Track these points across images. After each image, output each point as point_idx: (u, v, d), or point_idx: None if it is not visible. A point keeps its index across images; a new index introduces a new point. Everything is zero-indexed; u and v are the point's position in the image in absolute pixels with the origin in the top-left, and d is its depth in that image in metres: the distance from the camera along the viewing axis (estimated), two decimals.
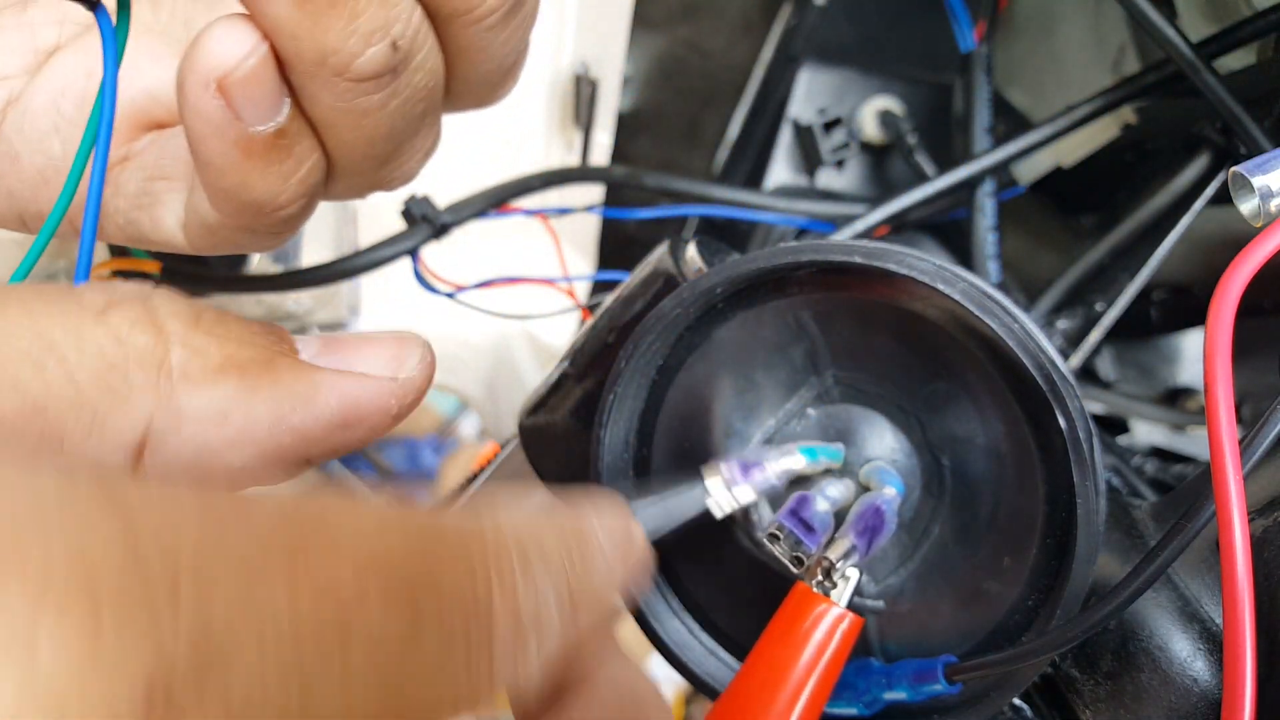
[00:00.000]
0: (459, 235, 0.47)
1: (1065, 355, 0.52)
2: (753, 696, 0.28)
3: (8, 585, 0.11)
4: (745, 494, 0.31)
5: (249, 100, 0.26)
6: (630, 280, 0.38)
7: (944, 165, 0.51)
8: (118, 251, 0.46)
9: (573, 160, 0.76)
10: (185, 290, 0.49)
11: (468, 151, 0.72)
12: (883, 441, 0.34)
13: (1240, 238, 0.27)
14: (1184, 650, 0.30)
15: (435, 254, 0.47)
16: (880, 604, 0.34)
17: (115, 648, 0.12)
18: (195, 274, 0.46)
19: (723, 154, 0.74)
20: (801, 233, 0.55)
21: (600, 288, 0.73)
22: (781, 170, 0.62)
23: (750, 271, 0.31)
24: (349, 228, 0.69)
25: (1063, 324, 0.53)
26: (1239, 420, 0.46)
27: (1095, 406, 0.59)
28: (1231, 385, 0.26)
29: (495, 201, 0.48)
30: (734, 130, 0.72)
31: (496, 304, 0.51)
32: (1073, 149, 0.54)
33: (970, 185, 0.49)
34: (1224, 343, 0.26)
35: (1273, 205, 0.27)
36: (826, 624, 0.29)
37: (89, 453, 0.18)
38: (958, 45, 0.51)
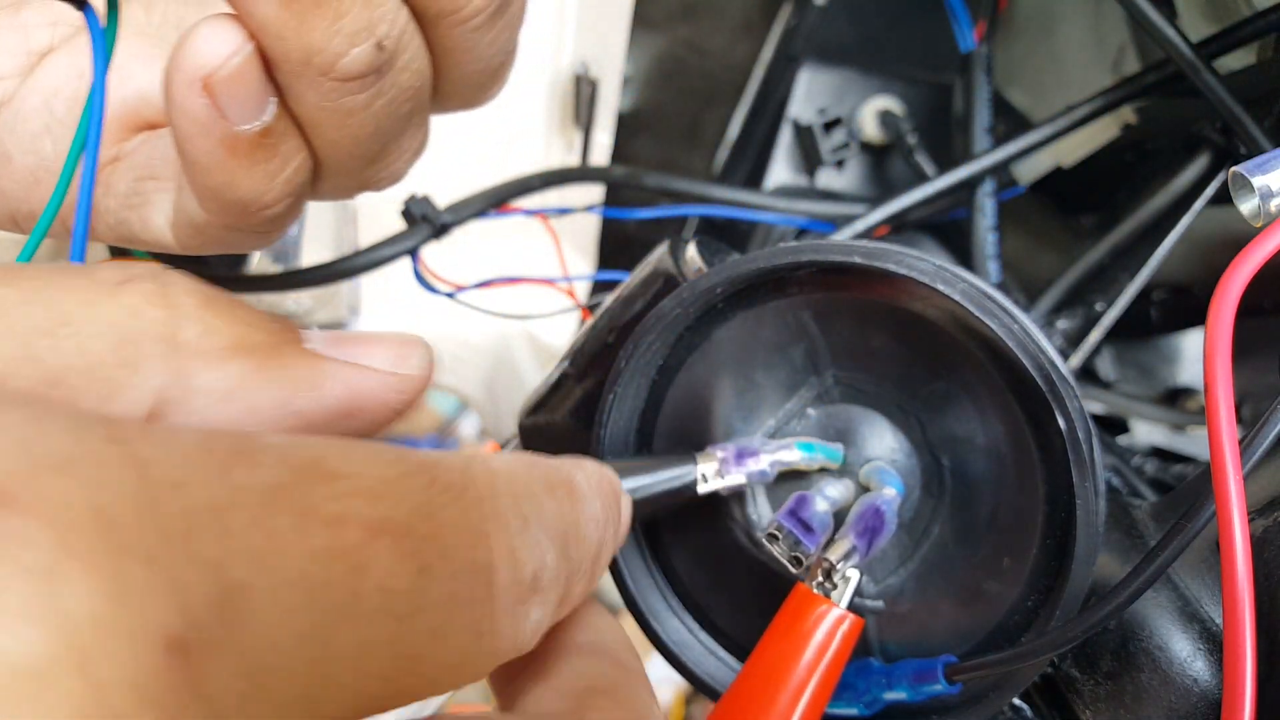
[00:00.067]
0: (459, 235, 0.47)
1: (1065, 355, 0.52)
2: (754, 697, 0.28)
3: (30, 532, 0.11)
4: (735, 477, 0.31)
5: (234, 99, 0.26)
6: (630, 280, 0.38)
7: (944, 165, 0.51)
8: (117, 251, 0.46)
9: (573, 160, 0.76)
10: None
11: (468, 151, 0.72)
12: (883, 441, 0.34)
13: (1240, 238, 0.27)
14: (1184, 650, 0.30)
15: (435, 254, 0.47)
16: (880, 604, 0.34)
17: (136, 596, 0.12)
18: (195, 274, 0.46)
19: (723, 154, 0.74)
20: (801, 233, 0.55)
21: (600, 288, 0.73)
22: (781, 170, 0.62)
23: (750, 271, 0.32)
24: (349, 228, 0.69)
25: (1063, 324, 0.53)
26: (1239, 420, 0.46)
27: (1095, 406, 0.59)
28: (1231, 385, 0.26)
29: (495, 201, 0.48)
30: (734, 130, 0.72)
31: (496, 304, 0.51)
32: (1073, 149, 0.54)
33: (970, 185, 0.49)
34: (1224, 343, 0.26)
35: (1273, 205, 0.27)
36: (827, 625, 0.29)
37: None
38: (958, 45, 0.51)
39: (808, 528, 0.30)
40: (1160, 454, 0.58)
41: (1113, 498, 0.34)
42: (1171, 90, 0.45)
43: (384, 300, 0.76)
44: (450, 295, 0.48)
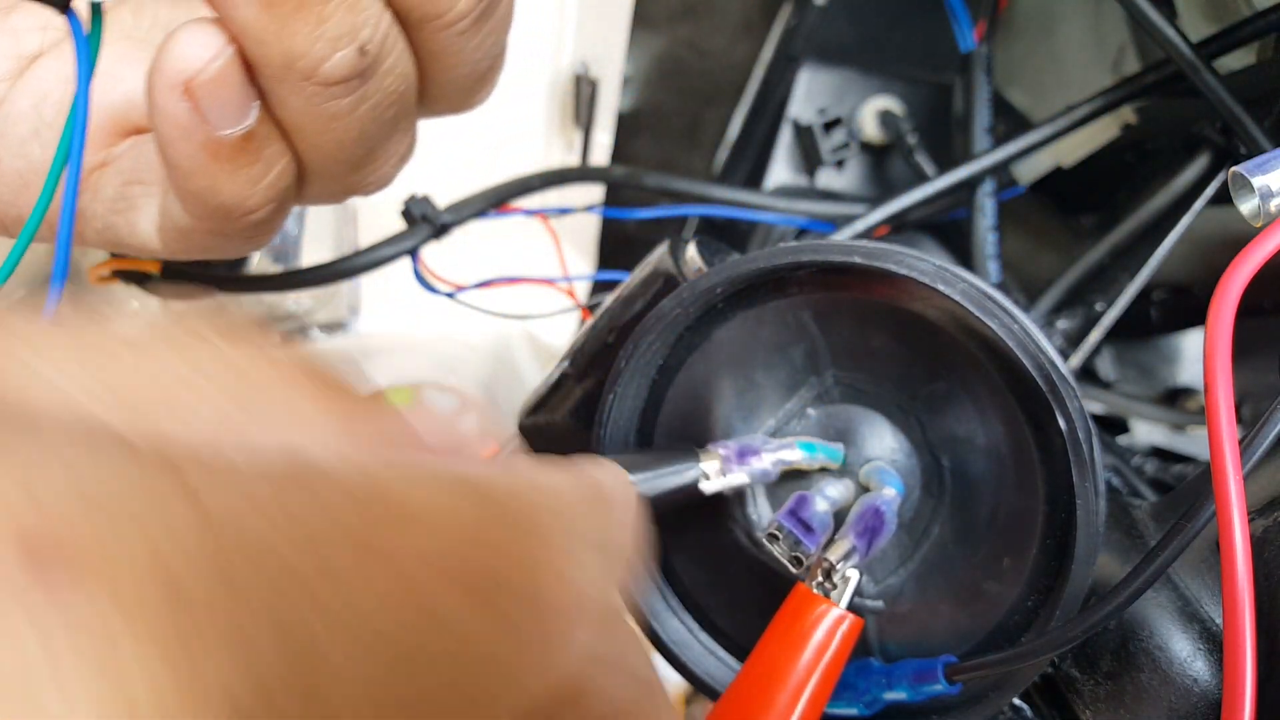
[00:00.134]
0: (459, 235, 0.47)
1: (1065, 355, 0.52)
2: (753, 697, 0.28)
3: (86, 595, 0.10)
4: (737, 476, 0.31)
5: (216, 103, 0.26)
6: (630, 280, 0.38)
7: (944, 165, 0.51)
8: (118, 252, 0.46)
9: (573, 160, 0.76)
10: (186, 290, 0.49)
11: (468, 151, 0.72)
12: (883, 441, 0.34)
13: (1240, 238, 0.27)
14: (1184, 650, 0.30)
15: (435, 254, 0.47)
16: (880, 604, 0.34)
17: (204, 662, 0.11)
18: (195, 274, 0.46)
19: (723, 154, 0.74)
20: (801, 233, 0.55)
21: (600, 288, 0.73)
22: (781, 170, 0.62)
23: (750, 271, 0.31)
24: (349, 228, 0.69)
25: (1063, 324, 0.53)
26: (1239, 420, 0.46)
27: (1095, 406, 0.59)
28: (1231, 385, 0.26)
29: (495, 201, 0.48)
30: (734, 130, 0.72)
31: (496, 304, 0.51)
32: (1073, 149, 0.53)
33: (970, 185, 0.49)
34: (1224, 343, 0.26)
35: (1273, 205, 0.27)
36: (826, 625, 0.29)
37: None
38: (958, 45, 0.51)
39: (808, 528, 0.30)
40: (1160, 454, 0.58)
41: (1113, 498, 0.34)
42: (1171, 90, 0.45)
43: (384, 300, 0.76)
44: (450, 295, 0.48)
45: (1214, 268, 0.40)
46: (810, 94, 0.62)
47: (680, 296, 0.32)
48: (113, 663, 0.10)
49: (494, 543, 0.17)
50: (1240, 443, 0.26)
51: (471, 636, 0.15)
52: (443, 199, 0.47)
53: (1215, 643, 0.30)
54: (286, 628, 0.12)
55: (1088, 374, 0.61)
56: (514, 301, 0.53)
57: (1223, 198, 0.39)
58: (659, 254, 0.37)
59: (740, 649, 0.36)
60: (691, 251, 0.36)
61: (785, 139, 0.62)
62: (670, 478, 0.31)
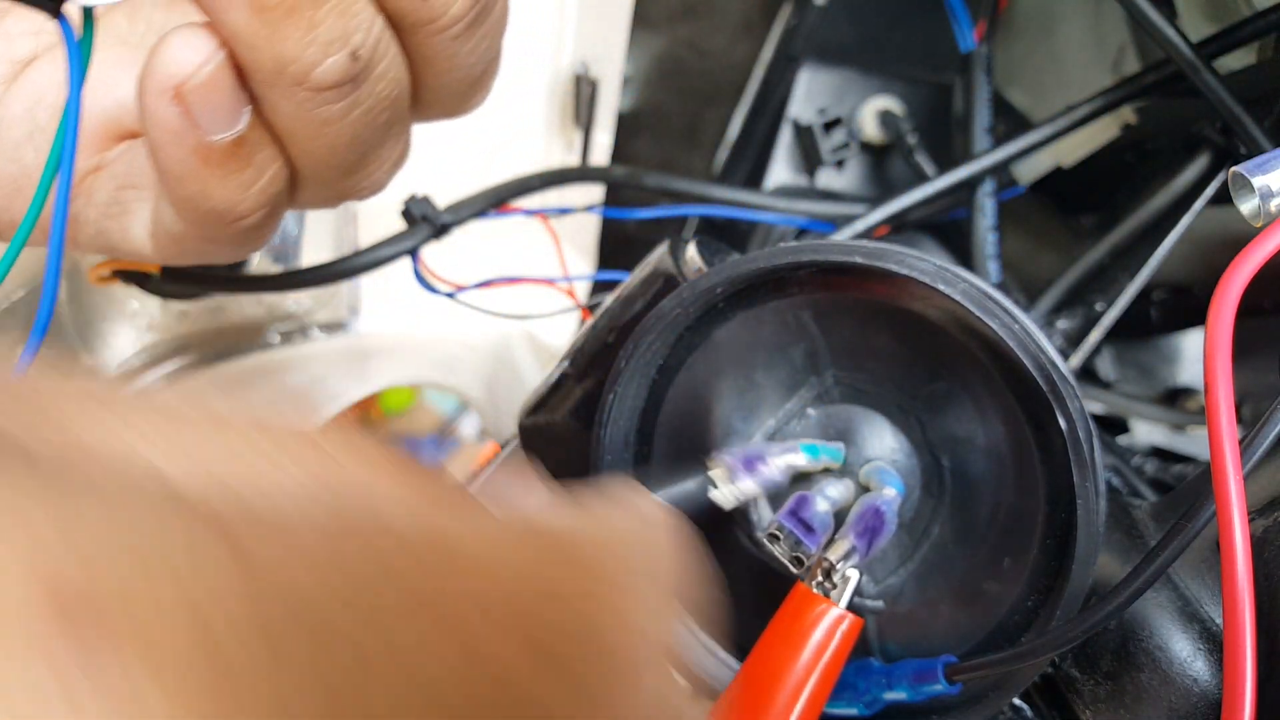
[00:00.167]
0: (459, 235, 0.47)
1: (1065, 355, 0.52)
2: (753, 697, 0.28)
3: (120, 648, 0.10)
4: (748, 487, 0.31)
5: (206, 108, 0.26)
6: (630, 280, 0.38)
7: (944, 165, 0.51)
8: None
9: (573, 160, 0.76)
10: (186, 290, 0.49)
11: (468, 151, 0.72)
12: (883, 441, 0.34)
13: (1240, 238, 0.27)
14: (1184, 650, 0.30)
15: (435, 254, 0.47)
16: (880, 604, 0.34)
17: None
18: (195, 274, 0.46)
19: (723, 154, 0.74)
20: (801, 233, 0.55)
21: (600, 288, 0.73)
22: (781, 170, 0.62)
23: (750, 271, 0.31)
24: (349, 228, 0.69)
25: (1063, 324, 0.53)
26: (1239, 420, 0.46)
27: (1095, 406, 0.59)
28: (1231, 385, 0.26)
29: (495, 201, 0.48)
30: (734, 130, 0.72)
31: (496, 304, 0.51)
32: (1073, 149, 0.53)
33: (970, 185, 0.49)
34: (1224, 343, 0.26)
35: (1273, 205, 0.27)
36: (826, 625, 0.29)
37: None
38: (958, 45, 0.51)
39: (808, 528, 0.30)
40: (1160, 454, 0.58)
41: (1113, 498, 0.34)
42: (1171, 90, 0.45)
43: (384, 300, 0.76)
44: (450, 295, 0.48)
45: (1214, 268, 0.40)
46: (810, 94, 0.62)
47: (680, 296, 0.32)
48: None
49: (554, 588, 0.16)
50: (1240, 443, 0.26)
51: (535, 696, 0.14)
52: (443, 199, 0.47)
53: (1215, 643, 0.30)
54: (331, 690, 0.12)
55: (1088, 374, 0.61)
56: (514, 301, 0.53)
57: (1223, 198, 0.39)
58: (659, 254, 0.37)
59: (740, 649, 0.36)
60: (691, 251, 0.36)
61: (785, 139, 0.62)
62: (684, 503, 0.31)
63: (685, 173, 0.56)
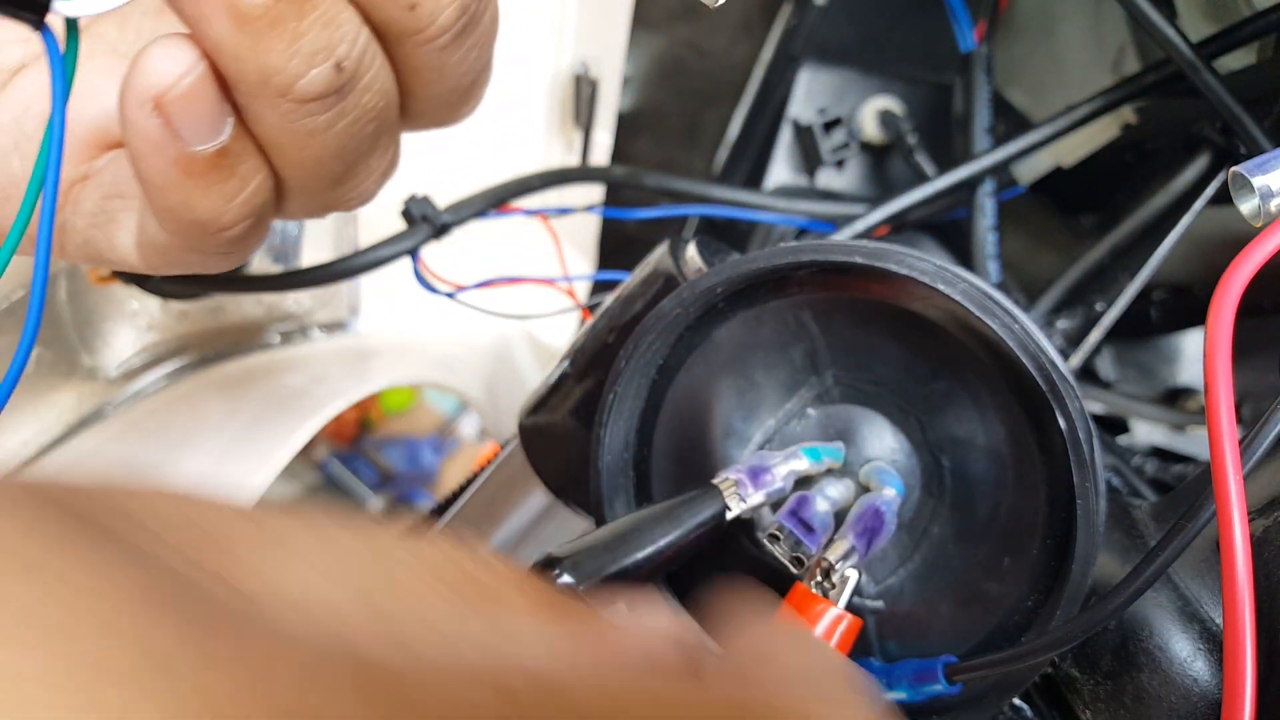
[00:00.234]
0: (459, 235, 0.47)
1: (1065, 355, 0.52)
2: None
3: None
4: (757, 500, 0.31)
5: (187, 118, 0.26)
6: (630, 280, 0.38)
7: (944, 165, 0.51)
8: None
9: (573, 160, 0.76)
10: (186, 290, 0.49)
11: (468, 151, 0.72)
12: (883, 441, 0.34)
13: (1240, 238, 0.27)
14: (1184, 650, 0.30)
15: (435, 254, 0.47)
16: (880, 604, 0.34)
17: None
18: (196, 275, 0.46)
19: (723, 154, 0.74)
20: (801, 233, 0.55)
21: (600, 288, 0.73)
22: (781, 170, 0.62)
23: (750, 271, 0.31)
24: (349, 228, 0.69)
25: (1063, 324, 0.53)
26: (1239, 420, 0.46)
27: (1095, 406, 0.59)
28: (1231, 385, 0.26)
29: (495, 201, 0.48)
30: (734, 130, 0.72)
31: (496, 304, 0.51)
32: (1073, 149, 0.53)
33: (970, 185, 0.49)
34: (1224, 343, 0.26)
35: (1273, 205, 0.27)
36: (825, 624, 0.29)
37: None
38: (958, 45, 0.51)
39: (808, 528, 0.30)
40: (1160, 454, 0.58)
41: (1113, 498, 0.34)
42: (1171, 90, 0.45)
43: (384, 300, 0.76)
44: (450, 295, 0.48)
45: (1214, 268, 0.40)
46: (810, 94, 0.62)
47: (680, 296, 0.32)
48: None
49: None
50: (1240, 443, 0.26)
51: None
52: (443, 199, 0.47)
53: (1215, 643, 0.30)
54: None
55: (1088, 374, 0.61)
56: (514, 301, 0.53)
57: (1223, 198, 0.39)
58: (659, 254, 0.37)
59: None
60: (691, 251, 0.36)
61: (785, 139, 0.62)
62: (700, 522, 0.31)
63: (685, 173, 0.56)
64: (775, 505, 0.32)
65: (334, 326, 0.73)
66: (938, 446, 0.33)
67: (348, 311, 0.74)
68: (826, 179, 0.61)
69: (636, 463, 0.36)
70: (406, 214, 0.46)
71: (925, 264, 0.30)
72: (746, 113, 0.70)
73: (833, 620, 0.29)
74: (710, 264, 0.35)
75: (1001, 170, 0.50)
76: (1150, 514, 0.34)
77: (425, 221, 0.46)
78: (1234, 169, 0.28)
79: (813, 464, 0.33)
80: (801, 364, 0.35)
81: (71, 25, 0.26)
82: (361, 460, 1.87)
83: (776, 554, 0.30)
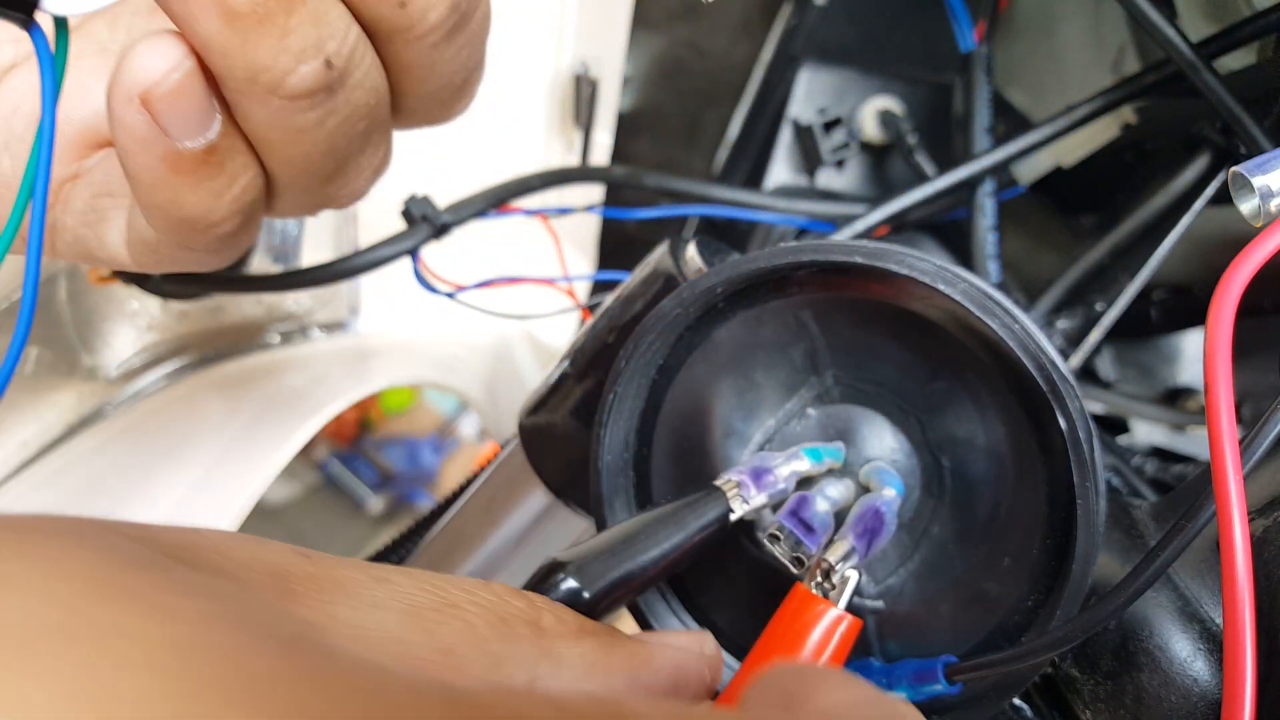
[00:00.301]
0: (459, 235, 0.47)
1: (1065, 355, 0.52)
2: None
3: None
4: (760, 501, 0.31)
5: (175, 115, 0.26)
6: (630, 280, 0.38)
7: (944, 165, 0.51)
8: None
9: (573, 160, 0.76)
10: (186, 290, 0.49)
11: (468, 151, 0.72)
12: (883, 441, 0.34)
13: (1240, 238, 0.27)
14: (1184, 650, 0.30)
15: (435, 254, 0.47)
16: (880, 604, 0.34)
17: None
18: (195, 274, 0.46)
19: (723, 154, 0.74)
20: (801, 233, 0.55)
21: (600, 288, 0.73)
22: (781, 170, 0.62)
23: (750, 271, 0.31)
24: (349, 228, 0.69)
25: (1063, 324, 0.53)
26: (1239, 420, 0.46)
27: (1095, 406, 0.59)
28: (1231, 385, 0.26)
29: (495, 201, 0.48)
30: (734, 130, 0.72)
31: (496, 304, 0.51)
32: (1073, 149, 0.53)
33: (970, 185, 0.49)
34: (1224, 343, 0.26)
35: (1273, 205, 0.27)
36: (824, 625, 0.29)
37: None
38: (958, 45, 0.51)
39: (809, 528, 0.30)
40: (1160, 454, 0.58)
41: (1113, 498, 0.34)
42: (1171, 90, 0.45)
43: (384, 300, 0.76)
44: (450, 295, 0.48)
45: (1214, 268, 0.40)
46: (810, 94, 0.62)
47: (680, 296, 0.32)
48: None
49: None
50: (1240, 443, 0.26)
51: None
52: (443, 199, 0.47)
53: (1215, 643, 0.30)
54: None
55: (1088, 374, 0.61)
56: (514, 301, 0.53)
57: (1223, 198, 0.39)
58: (659, 254, 0.37)
59: (740, 649, 0.36)
60: (691, 251, 0.36)
61: (785, 139, 0.62)
62: (704, 525, 0.31)
63: (685, 173, 0.56)
64: (775, 505, 0.32)
65: (334, 326, 0.73)
66: (938, 446, 0.33)
67: (348, 311, 0.74)
68: (826, 179, 0.61)
69: (636, 463, 0.36)
70: (406, 214, 0.46)
71: (925, 264, 0.30)
72: (746, 113, 0.70)
73: (833, 621, 0.29)
74: (710, 264, 0.35)
75: (1001, 170, 0.50)
76: (1150, 514, 0.34)
77: (425, 221, 0.46)
78: (1234, 169, 0.28)
79: (814, 464, 0.33)
80: (801, 364, 0.35)
81: (61, 24, 0.26)
82: (361, 460, 1.87)
83: (777, 554, 0.30)
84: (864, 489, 0.34)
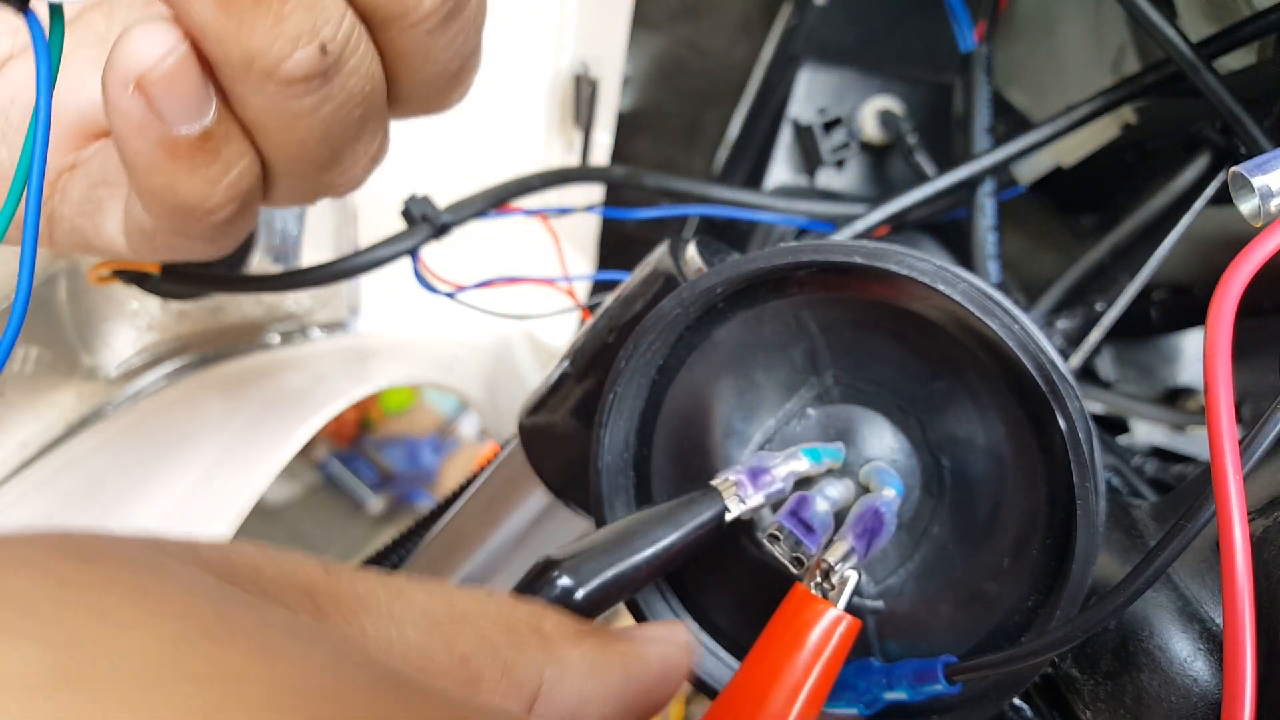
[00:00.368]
0: (459, 235, 0.47)
1: (1065, 355, 0.52)
2: (749, 697, 0.28)
3: None
4: (757, 501, 0.31)
5: (170, 100, 0.26)
6: (630, 280, 0.38)
7: (944, 165, 0.51)
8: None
9: (573, 160, 0.76)
10: (186, 290, 0.49)
11: (468, 151, 0.72)
12: (882, 441, 0.34)
13: (1240, 238, 0.27)
14: (1184, 650, 0.30)
15: (435, 254, 0.47)
16: (880, 604, 0.34)
17: None
18: (195, 274, 0.46)
19: (723, 154, 0.74)
20: (801, 233, 0.55)
21: (600, 288, 0.73)
22: (781, 170, 0.62)
23: (750, 271, 0.31)
24: (349, 228, 0.69)
25: (1063, 324, 0.53)
26: (1239, 420, 0.46)
27: (1095, 406, 0.59)
28: (1231, 385, 0.26)
29: (495, 201, 0.48)
30: (734, 130, 0.72)
31: (496, 304, 0.51)
32: (1073, 149, 0.54)
33: (970, 185, 0.49)
34: (1224, 343, 0.26)
35: (1273, 205, 0.27)
36: (824, 625, 0.29)
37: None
38: (958, 45, 0.51)
39: (809, 528, 0.30)
40: (1160, 454, 0.58)
41: (1113, 498, 0.34)
42: (1171, 90, 0.45)
43: (384, 300, 0.76)
44: (450, 295, 0.48)
45: (1214, 268, 0.40)
46: (810, 94, 0.62)
47: (680, 296, 0.32)
48: None
49: None
50: (1240, 443, 0.26)
51: None
52: (443, 199, 0.47)
53: (1215, 643, 0.30)
54: None
55: (1088, 374, 0.61)
56: (514, 301, 0.53)
57: (1223, 198, 0.39)
58: (659, 254, 0.37)
59: (740, 649, 0.36)
60: (691, 251, 0.36)
61: (785, 139, 0.62)
62: (700, 524, 0.31)
63: (685, 173, 0.56)
64: (775, 505, 0.32)
65: (334, 326, 0.73)
66: (938, 446, 0.33)
67: (348, 311, 0.74)
68: (826, 179, 0.61)
69: (636, 463, 0.36)
70: (406, 214, 0.46)
71: (925, 264, 0.30)
72: (746, 113, 0.70)
73: (832, 621, 0.29)
74: (710, 264, 0.35)
75: (1001, 170, 0.50)
76: (1150, 514, 0.34)
77: (425, 221, 0.46)
78: (1234, 169, 0.28)
79: (813, 464, 0.33)
80: (801, 364, 0.35)
81: (56, 11, 0.26)
82: (361, 460, 1.87)
83: (776, 554, 0.30)
84: (864, 489, 0.34)
